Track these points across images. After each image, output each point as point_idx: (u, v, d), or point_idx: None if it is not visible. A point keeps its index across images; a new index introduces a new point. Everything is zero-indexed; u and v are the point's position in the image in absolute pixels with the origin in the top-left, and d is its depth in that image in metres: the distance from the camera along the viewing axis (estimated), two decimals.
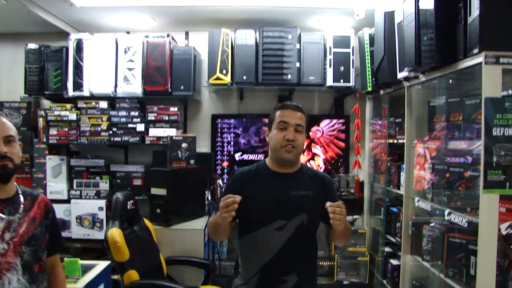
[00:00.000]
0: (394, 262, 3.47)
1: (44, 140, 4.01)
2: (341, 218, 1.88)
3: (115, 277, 3.21)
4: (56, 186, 4.10)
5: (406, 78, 3.04)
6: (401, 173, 3.38)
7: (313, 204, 2.04)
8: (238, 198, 1.87)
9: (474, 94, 2.35)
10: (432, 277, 2.78)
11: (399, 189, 3.41)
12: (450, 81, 2.64)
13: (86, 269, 2.50)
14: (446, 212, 2.44)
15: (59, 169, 4.12)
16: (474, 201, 2.33)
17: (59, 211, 4.02)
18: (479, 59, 2.14)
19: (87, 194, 4.08)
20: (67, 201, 4.07)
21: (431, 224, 2.80)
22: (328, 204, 1.90)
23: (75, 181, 4.10)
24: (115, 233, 2.98)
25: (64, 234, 3.97)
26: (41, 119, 4.04)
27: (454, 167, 2.54)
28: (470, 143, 2.29)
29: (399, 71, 3.05)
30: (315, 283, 2.18)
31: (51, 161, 4.10)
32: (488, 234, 2.08)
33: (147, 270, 3.12)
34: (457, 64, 2.36)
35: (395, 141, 3.54)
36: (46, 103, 4.33)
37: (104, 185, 4.10)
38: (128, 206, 3.20)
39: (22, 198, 1.82)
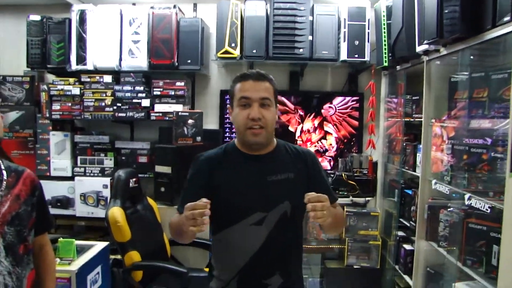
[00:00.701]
0: (407, 247, 3.31)
1: (47, 115, 3.89)
2: (324, 215, 1.51)
3: (118, 257, 3.11)
4: (60, 162, 4.00)
5: (426, 52, 2.83)
6: (417, 154, 3.20)
7: (296, 189, 1.72)
8: (207, 211, 1.48)
9: (502, 68, 2.15)
10: (447, 264, 2.62)
11: (414, 170, 3.23)
12: (471, 57, 2.44)
13: (83, 250, 2.39)
14: (466, 197, 2.27)
15: (63, 146, 4.01)
16: (497, 185, 2.15)
17: (63, 188, 3.98)
18: (511, 27, 1.94)
19: (91, 171, 3.97)
20: (71, 178, 3.96)
21: (449, 209, 2.63)
22: (306, 198, 1.53)
23: (79, 157, 3.99)
24: (116, 212, 2.87)
25: (68, 212, 3.95)
26: (43, 93, 3.91)
27: (476, 148, 2.35)
28: (495, 122, 2.10)
29: (418, 45, 2.84)
30: (302, 283, 1.91)
31: (55, 137, 4.00)
32: None
33: (149, 251, 3.02)
34: (483, 35, 2.15)
35: (412, 120, 3.35)
36: (50, 77, 4.19)
37: (108, 162, 3.99)
38: (131, 184, 3.08)
39: (5, 174, 1.67)
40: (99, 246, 2.42)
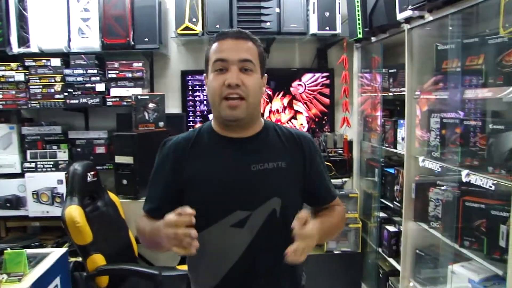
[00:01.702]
0: (390, 228, 3.14)
1: None
2: (303, 253, 1.23)
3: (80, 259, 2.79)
4: (7, 158, 3.59)
5: (407, 20, 2.61)
6: (398, 130, 3.01)
7: (288, 182, 1.43)
8: (194, 232, 1.16)
9: (498, 33, 1.94)
10: (441, 245, 2.45)
11: (395, 147, 3.05)
12: (462, 21, 2.23)
13: (37, 261, 2.05)
14: (464, 173, 2.08)
15: (8, 139, 3.60)
16: (498, 159, 1.97)
17: (12, 186, 3.58)
18: None
19: (43, 166, 3.59)
20: (21, 175, 3.57)
21: (442, 187, 2.45)
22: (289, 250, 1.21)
23: (28, 152, 3.60)
24: (74, 211, 2.54)
25: (20, 212, 3.58)
26: None
27: (471, 120, 2.16)
28: (496, 91, 1.91)
29: (399, 12, 2.62)
30: None
31: None
32: None
33: (114, 252, 2.72)
34: None
35: (389, 95, 3.15)
36: None
37: (62, 155, 3.62)
38: (89, 179, 2.74)
39: None
40: (56, 253, 2.09)
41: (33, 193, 3.52)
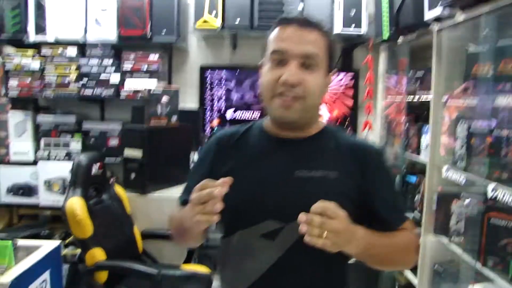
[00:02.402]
0: None
1: (3, 93, 3.43)
2: (326, 236, 0.99)
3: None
4: (21, 146, 3.58)
5: (437, 20, 2.43)
6: (423, 136, 2.83)
7: (336, 195, 1.11)
8: (222, 189, 1.02)
9: None
10: (461, 263, 2.27)
11: (419, 154, 2.87)
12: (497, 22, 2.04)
13: (28, 252, 1.97)
14: (490, 187, 1.90)
15: (23, 127, 3.58)
16: None
17: (25, 174, 3.58)
18: None
19: (56, 155, 3.55)
20: (34, 163, 3.55)
21: (466, 201, 2.26)
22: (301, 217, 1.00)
23: (42, 140, 3.57)
24: (75, 203, 2.45)
25: (31, 200, 3.56)
26: None
27: (502, 128, 1.98)
28: None
29: (429, 9, 2.45)
30: None
31: (14, 117, 3.57)
32: None
33: (117, 247, 2.62)
34: None
35: (415, 99, 2.98)
36: (8, 51, 3.71)
37: (75, 145, 3.58)
38: (93, 171, 2.65)
39: None
40: (47, 246, 2.00)
41: (45, 182, 3.50)
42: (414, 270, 2.84)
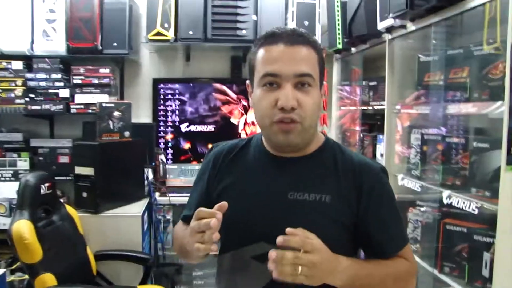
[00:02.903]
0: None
1: None
2: (301, 271, 0.96)
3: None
4: None
5: (388, 30, 2.47)
6: (377, 146, 2.87)
7: (329, 220, 1.13)
8: (217, 220, 1.01)
9: (484, 44, 1.80)
10: (420, 271, 2.28)
11: None
12: (446, 31, 2.09)
13: None
14: (445, 194, 1.92)
15: None
16: (481, 180, 1.82)
17: None
18: None
19: (1, 175, 3.37)
20: None
21: (422, 208, 2.29)
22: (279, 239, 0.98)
23: None
24: (23, 227, 2.32)
25: None
26: None
27: (453, 137, 2.02)
28: (481, 106, 1.76)
29: (380, 20, 2.48)
30: None
31: None
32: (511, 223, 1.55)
33: (68, 271, 2.49)
34: (465, 2, 1.79)
35: (369, 109, 3.02)
36: None
37: (23, 164, 3.40)
38: (42, 191, 2.51)
39: None
40: None
41: None
42: None
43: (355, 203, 1.15)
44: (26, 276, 2.72)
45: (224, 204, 1.04)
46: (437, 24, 2.06)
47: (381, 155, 2.76)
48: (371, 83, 2.99)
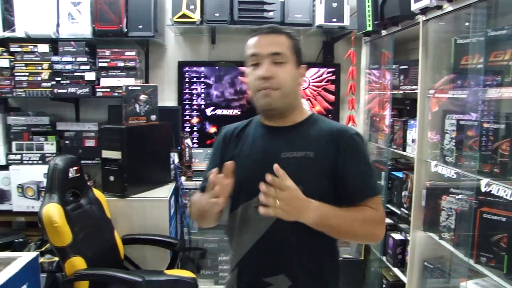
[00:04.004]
0: (396, 236, 2.92)
1: None
2: (278, 205, 1.26)
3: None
4: None
5: (423, 11, 2.38)
6: (408, 131, 2.79)
7: (313, 171, 1.42)
8: (225, 176, 1.34)
9: None
10: (452, 259, 2.23)
11: (404, 150, 2.83)
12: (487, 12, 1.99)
13: (2, 265, 1.83)
14: (484, 182, 1.85)
15: None
16: None
17: None
18: None
19: (29, 158, 3.40)
20: (6, 167, 3.38)
21: (457, 196, 2.22)
22: (268, 177, 1.26)
23: (14, 143, 3.41)
24: (52, 210, 2.33)
25: (4, 206, 3.39)
26: None
27: (492, 123, 1.94)
28: None
29: (415, 1, 2.39)
30: None
31: None
32: None
33: (97, 255, 2.51)
34: None
35: (400, 93, 2.94)
36: None
37: (50, 147, 3.42)
38: (70, 174, 2.52)
39: None
40: (24, 258, 1.86)
41: (18, 187, 3.35)
42: (402, 267, 2.81)
43: (333, 158, 1.42)
44: (55, 258, 2.77)
45: (229, 163, 1.36)
46: (476, 4, 1.97)
47: (413, 140, 2.69)
48: (402, 67, 2.91)
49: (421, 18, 2.45)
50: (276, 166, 1.27)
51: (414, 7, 2.41)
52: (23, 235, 3.39)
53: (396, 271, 2.88)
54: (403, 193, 2.80)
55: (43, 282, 2.96)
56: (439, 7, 2.24)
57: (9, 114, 3.45)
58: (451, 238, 2.26)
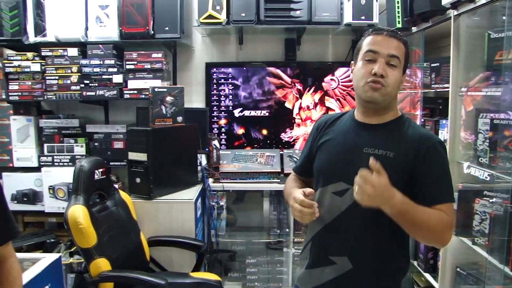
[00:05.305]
0: None
1: (4, 96, 3.34)
2: (368, 193, 1.34)
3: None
4: (24, 151, 3.49)
5: (454, 5, 2.28)
6: (440, 131, 2.69)
7: (390, 169, 1.42)
8: (316, 211, 1.52)
9: None
10: (486, 265, 2.12)
11: None
12: None
13: (27, 266, 1.85)
14: None
15: (26, 132, 3.49)
16: None
17: (29, 180, 3.48)
18: None
19: (60, 160, 3.46)
20: (38, 169, 3.45)
21: (491, 199, 2.11)
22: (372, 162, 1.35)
23: (45, 145, 3.48)
24: (78, 211, 2.34)
25: (36, 207, 3.48)
26: None
27: None
28: None
29: None
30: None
31: (17, 122, 3.47)
32: None
33: (123, 256, 2.51)
34: None
35: (431, 92, 2.83)
36: (8, 53, 3.61)
37: (79, 149, 3.48)
38: (96, 176, 2.53)
39: None
40: (47, 259, 1.89)
41: (49, 188, 3.42)
42: (434, 272, 2.70)
43: (412, 162, 1.51)
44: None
45: (311, 191, 1.55)
46: None
47: (444, 141, 2.59)
48: (433, 65, 2.81)
49: (452, 12, 2.35)
50: (371, 161, 1.35)
51: (445, 1, 2.31)
52: (54, 235, 3.47)
53: (428, 276, 2.77)
54: None
55: (72, 282, 3.01)
56: (472, 0, 2.14)
57: (41, 117, 3.52)
58: (485, 244, 2.15)
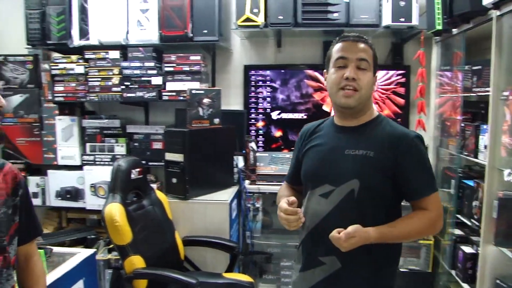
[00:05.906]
0: (467, 249, 2.73)
1: (50, 97, 3.48)
2: (344, 248, 1.51)
3: None
4: (68, 150, 3.64)
5: (497, 5, 2.21)
6: (480, 136, 2.60)
7: (370, 169, 1.61)
8: (302, 219, 1.65)
9: None
10: None
11: (476, 156, 2.63)
12: None
13: (63, 260, 1.93)
14: None
15: (70, 131, 3.63)
16: None
17: (72, 178, 3.62)
18: None
19: (101, 159, 3.58)
20: (80, 167, 3.59)
21: None
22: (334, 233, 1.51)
23: (88, 144, 3.61)
24: (114, 209, 2.42)
25: (79, 204, 3.61)
26: (45, 73, 3.51)
27: None
28: None
29: None
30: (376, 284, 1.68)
31: (61, 122, 3.62)
32: None
33: (157, 255, 2.57)
34: None
35: (473, 96, 2.74)
36: (55, 56, 3.76)
37: (120, 149, 3.59)
38: (133, 176, 2.61)
39: None
40: (82, 254, 1.96)
41: (91, 186, 3.53)
42: (473, 283, 2.62)
43: (392, 160, 1.60)
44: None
45: (294, 199, 1.66)
46: None
47: (485, 146, 2.50)
48: (475, 67, 2.72)
49: (494, 13, 2.27)
50: (331, 235, 1.50)
51: (486, 1, 2.24)
52: (95, 231, 3.57)
53: (466, 287, 2.69)
54: (473, 203, 2.61)
55: (109, 278, 3.10)
56: None
57: (84, 117, 3.65)
58: None
